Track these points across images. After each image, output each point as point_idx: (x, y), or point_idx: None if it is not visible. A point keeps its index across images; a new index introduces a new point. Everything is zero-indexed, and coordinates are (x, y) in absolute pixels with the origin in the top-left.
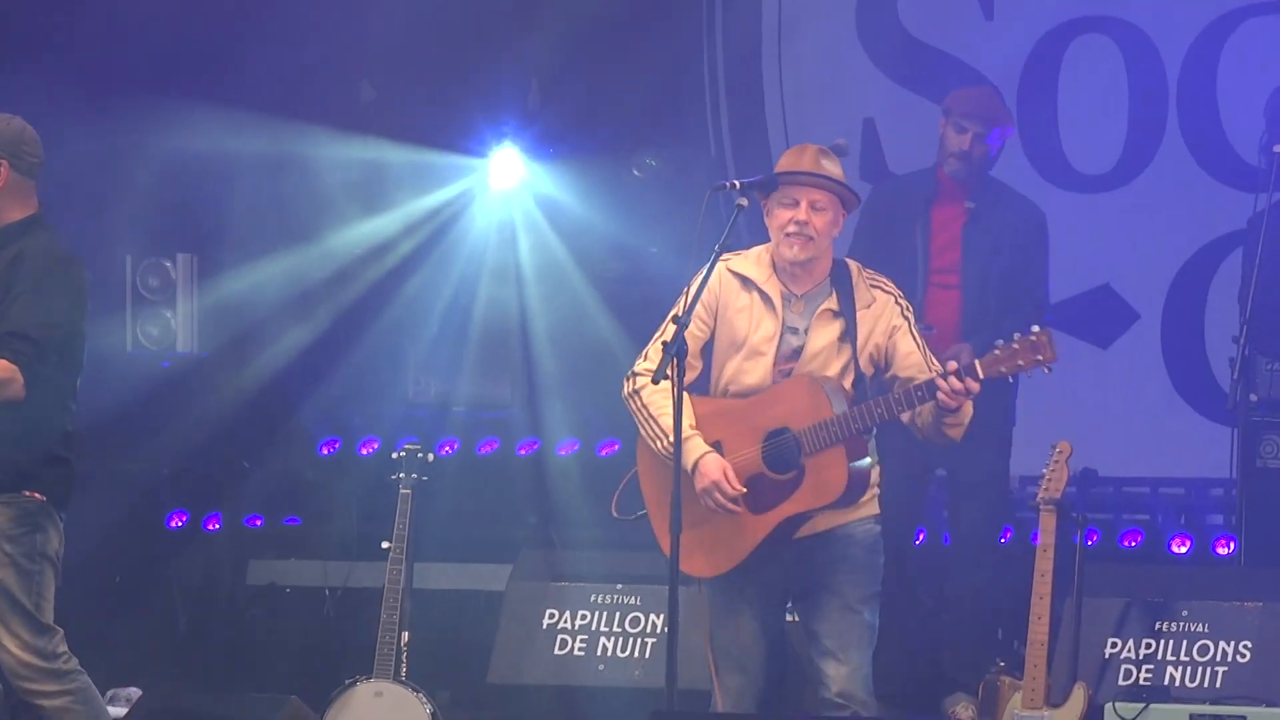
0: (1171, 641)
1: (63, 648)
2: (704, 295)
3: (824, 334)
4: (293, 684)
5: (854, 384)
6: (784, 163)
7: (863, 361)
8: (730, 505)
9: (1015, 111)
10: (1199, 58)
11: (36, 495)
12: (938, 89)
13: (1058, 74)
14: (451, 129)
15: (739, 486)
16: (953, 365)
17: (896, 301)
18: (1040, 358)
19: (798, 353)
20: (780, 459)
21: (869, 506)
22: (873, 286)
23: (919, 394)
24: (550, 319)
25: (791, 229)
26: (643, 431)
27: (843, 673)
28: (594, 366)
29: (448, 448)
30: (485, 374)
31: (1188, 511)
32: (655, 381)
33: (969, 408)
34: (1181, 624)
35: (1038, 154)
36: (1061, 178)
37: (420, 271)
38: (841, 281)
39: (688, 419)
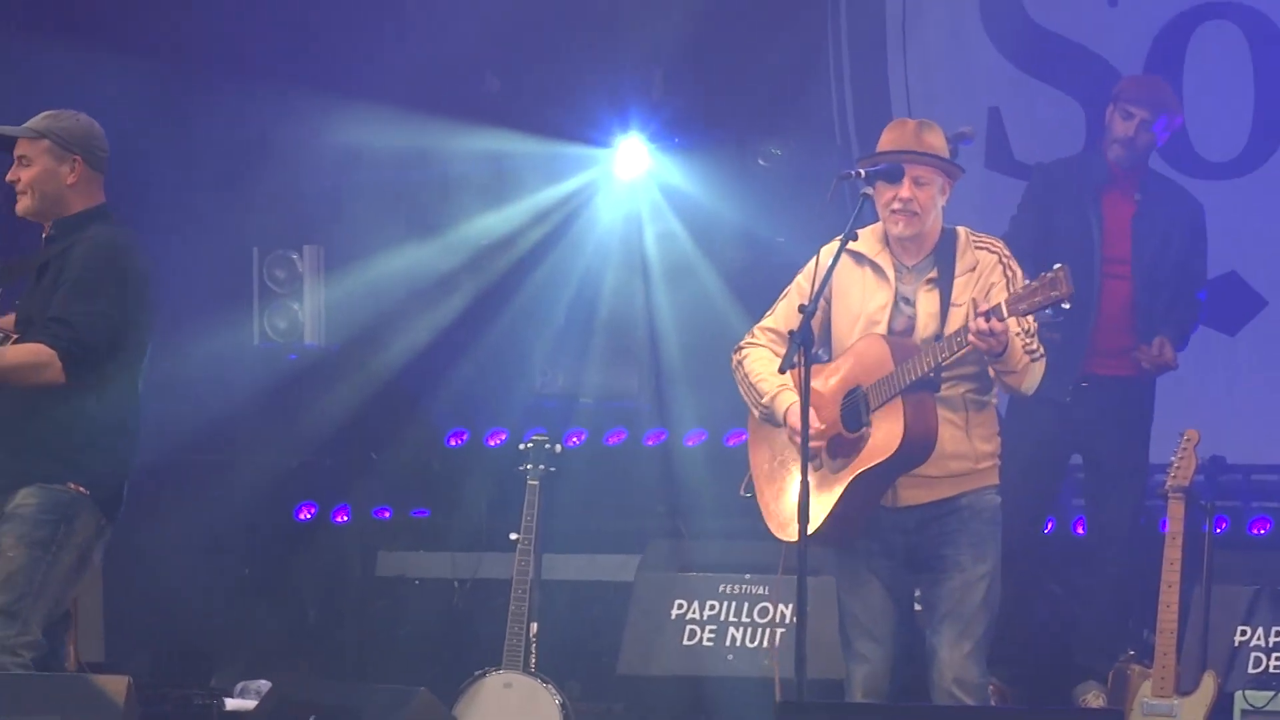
0: None
1: (26, 653)
2: (817, 274)
3: (926, 305)
4: (422, 676)
5: None
6: (885, 139)
7: (955, 324)
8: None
9: None
10: None
11: (77, 487)
12: (1062, 76)
13: (1182, 60)
14: (576, 119)
15: (820, 425)
16: (983, 307)
17: (1000, 260)
18: (1056, 293)
19: (911, 324)
20: (853, 417)
21: (988, 476)
22: (978, 248)
23: (956, 340)
24: (676, 309)
25: (896, 205)
26: (744, 398)
27: (957, 657)
28: (721, 356)
29: (575, 439)
30: (612, 364)
31: None
32: (782, 371)
33: (1017, 355)
34: None
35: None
36: (1187, 165)
37: (546, 262)
38: (945, 251)
39: (780, 379)
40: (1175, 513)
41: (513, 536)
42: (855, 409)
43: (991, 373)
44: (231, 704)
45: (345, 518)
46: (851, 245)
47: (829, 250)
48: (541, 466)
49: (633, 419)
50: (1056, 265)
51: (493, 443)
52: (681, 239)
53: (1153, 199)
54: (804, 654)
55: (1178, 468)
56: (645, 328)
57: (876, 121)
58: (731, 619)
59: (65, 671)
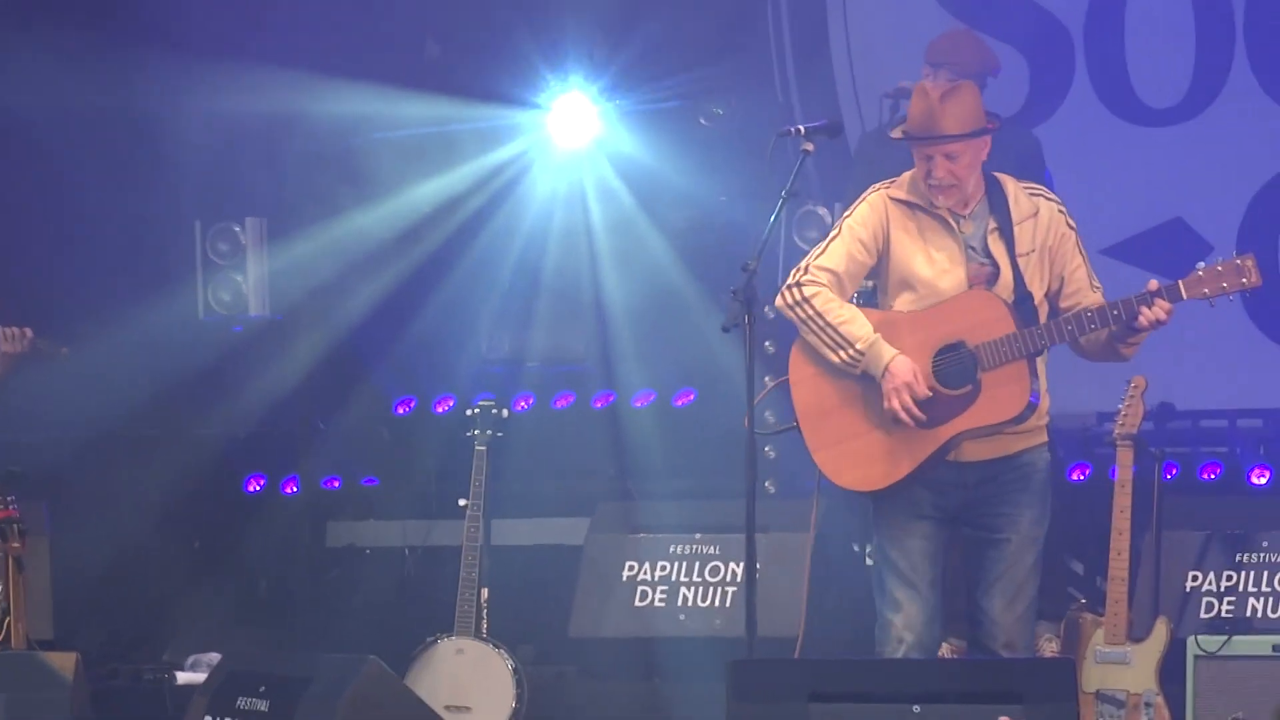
0: (1252, 573)
1: None
2: (870, 223)
3: (999, 253)
4: (374, 644)
5: (1016, 303)
6: (911, 111)
7: (1028, 275)
8: (915, 411)
9: (1083, 47)
10: None
11: None
12: (1004, 27)
13: (1124, 7)
14: (516, 83)
15: (927, 390)
16: (1154, 284)
17: (1059, 210)
18: (1245, 281)
19: (990, 274)
20: (955, 373)
21: (1041, 434)
22: (1032, 196)
23: (1115, 313)
24: (621, 270)
25: (933, 182)
26: (815, 340)
27: (1009, 621)
28: (666, 316)
29: (523, 403)
30: (558, 328)
31: (1266, 442)
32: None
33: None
34: (1262, 555)
35: (1106, 89)
36: (1130, 112)
37: (490, 226)
38: (996, 198)
39: (868, 325)
40: (1124, 460)
41: (462, 503)
42: (961, 365)
43: (1086, 341)
44: (183, 678)
45: (294, 488)
46: (897, 193)
47: (881, 201)
48: (489, 432)
49: (580, 382)
50: (1246, 254)
51: (440, 409)
52: (624, 200)
53: None
54: (754, 610)
55: (1125, 415)
56: (590, 290)
57: (816, 77)
58: (683, 579)
59: (12, 650)
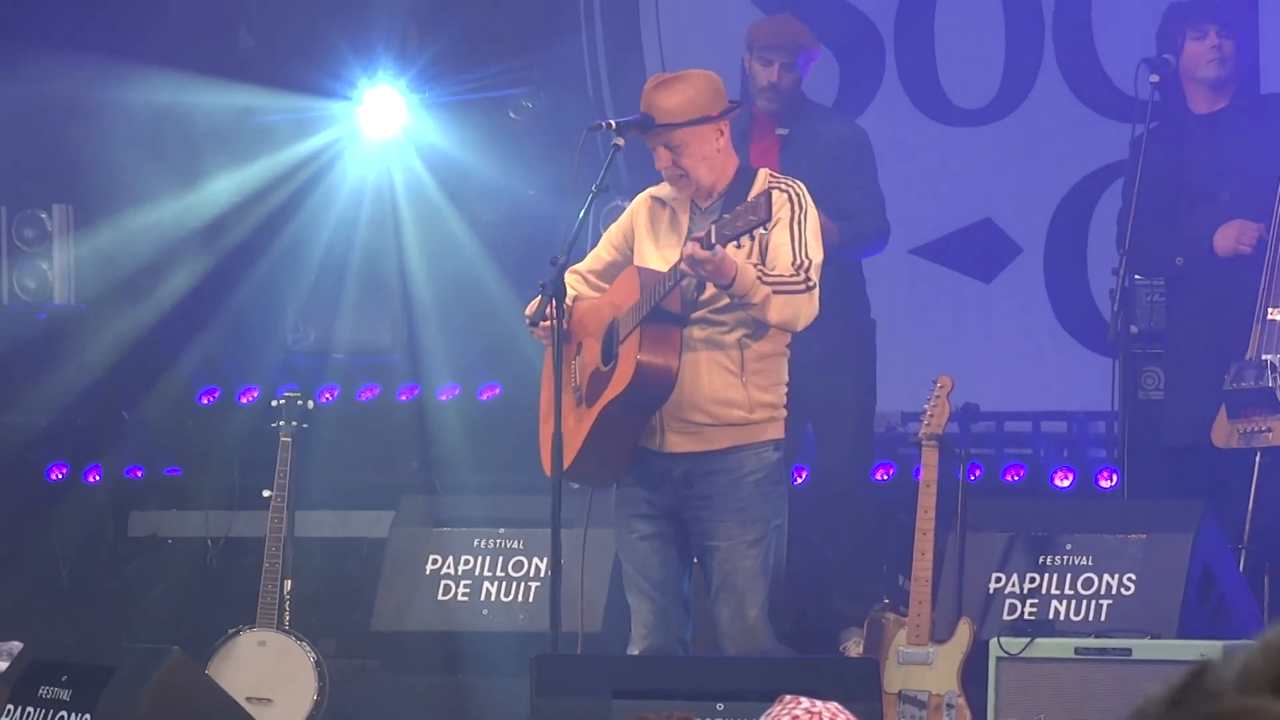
0: (1056, 575)
1: None
2: (624, 222)
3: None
4: (176, 635)
5: None
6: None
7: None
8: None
9: (893, 45)
10: None
11: None
12: (817, 24)
13: (934, 6)
14: (325, 73)
15: (587, 362)
16: (698, 234)
17: (790, 197)
18: (754, 217)
19: None
20: (608, 349)
21: (766, 429)
22: (773, 188)
23: (677, 269)
24: (429, 263)
25: (662, 172)
26: None
27: (739, 629)
28: (474, 310)
29: (328, 395)
30: (364, 320)
31: (1070, 445)
32: (533, 324)
33: (748, 284)
34: (1065, 557)
35: (914, 88)
36: (939, 111)
37: (297, 218)
38: (737, 192)
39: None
40: (929, 460)
41: (266, 494)
42: (610, 341)
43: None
44: None
45: (97, 477)
46: (657, 191)
47: (640, 200)
48: (294, 423)
49: (385, 374)
50: (762, 192)
51: (245, 399)
52: (432, 192)
53: (800, 130)
54: (559, 606)
55: (931, 415)
56: (398, 283)
57: (629, 72)
58: (486, 574)
59: None
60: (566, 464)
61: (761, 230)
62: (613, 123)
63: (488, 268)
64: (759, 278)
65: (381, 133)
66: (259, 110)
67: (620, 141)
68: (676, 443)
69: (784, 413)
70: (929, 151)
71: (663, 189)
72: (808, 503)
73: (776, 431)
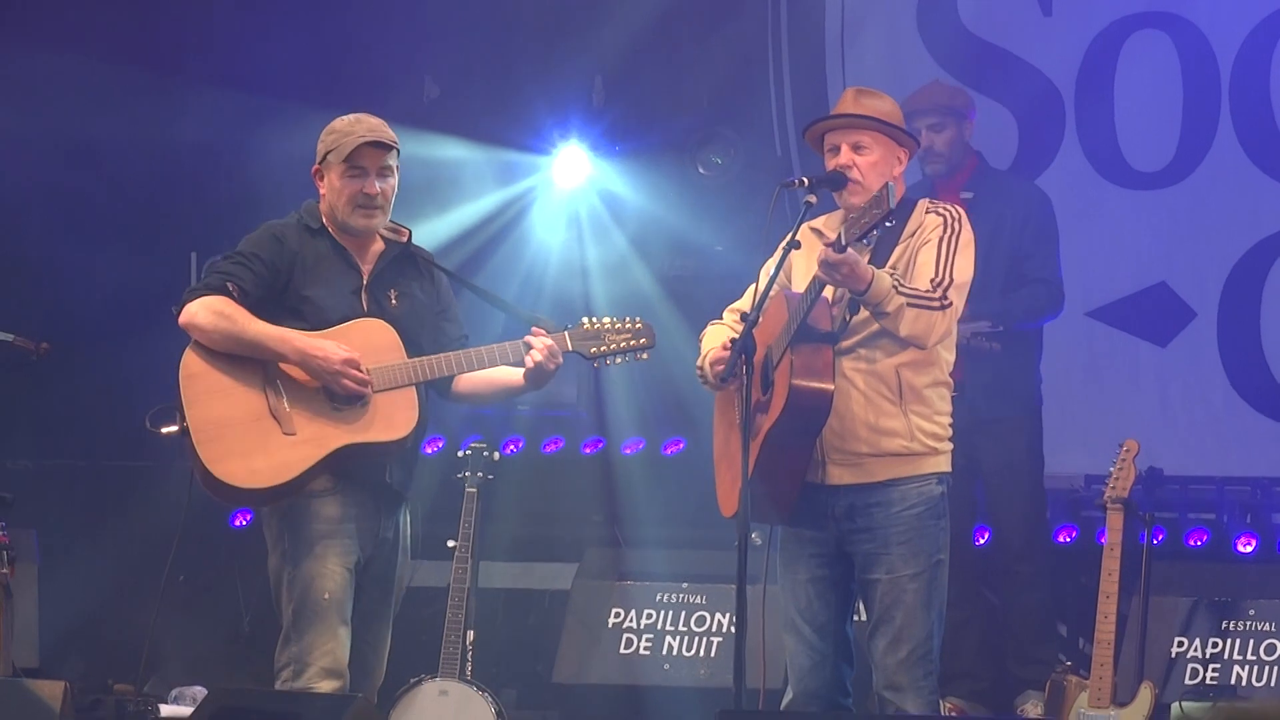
0: (1238, 640)
1: None
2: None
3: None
4: (358, 683)
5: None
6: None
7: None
8: None
9: (1073, 108)
10: (1252, 53)
11: None
12: (999, 86)
13: (1114, 70)
14: (516, 126)
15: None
16: (828, 240)
17: (946, 221)
18: (878, 211)
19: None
20: (765, 377)
21: (931, 461)
22: (929, 213)
23: (815, 281)
24: (615, 315)
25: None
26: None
27: (890, 664)
28: (659, 365)
29: (513, 446)
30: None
31: (1253, 510)
32: (724, 380)
33: (883, 293)
34: (1248, 623)
35: (1094, 151)
36: (1118, 174)
37: (486, 268)
38: (897, 220)
39: (717, 343)
40: (1114, 523)
41: (450, 544)
42: (766, 369)
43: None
44: (166, 710)
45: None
46: (813, 223)
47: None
48: (479, 474)
49: (570, 427)
50: (882, 186)
51: (430, 450)
52: (621, 246)
53: (985, 194)
54: (743, 661)
55: (1116, 478)
56: None
57: None
58: (668, 628)
59: None
60: (737, 500)
61: (888, 223)
62: (805, 179)
63: (674, 322)
64: (894, 287)
65: (570, 186)
66: (446, 161)
67: (813, 199)
68: (839, 475)
69: (949, 446)
70: (1106, 214)
71: (818, 220)
72: (987, 565)
73: (940, 465)
